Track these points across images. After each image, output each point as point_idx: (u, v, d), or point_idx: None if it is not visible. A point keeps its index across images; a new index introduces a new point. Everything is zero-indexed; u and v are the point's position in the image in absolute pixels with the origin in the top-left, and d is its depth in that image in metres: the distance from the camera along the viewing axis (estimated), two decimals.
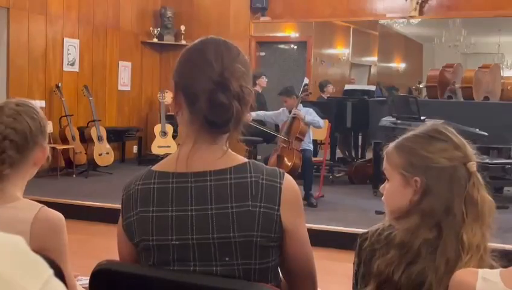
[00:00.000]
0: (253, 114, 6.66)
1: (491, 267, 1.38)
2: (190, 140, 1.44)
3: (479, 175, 1.44)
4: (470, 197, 1.41)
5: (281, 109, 6.95)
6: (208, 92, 1.38)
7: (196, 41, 1.54)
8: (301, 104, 6.74)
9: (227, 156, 1.44)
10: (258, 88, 8.13)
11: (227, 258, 1.39)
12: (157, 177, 1.44)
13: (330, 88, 9.36)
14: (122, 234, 1.49)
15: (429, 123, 1.56)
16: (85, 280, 1.73)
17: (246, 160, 1.45)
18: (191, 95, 1.42)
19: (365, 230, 1.52)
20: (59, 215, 1.65)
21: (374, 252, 1.44)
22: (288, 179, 1.45)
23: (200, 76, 1.41)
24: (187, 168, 1.42)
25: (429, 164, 1.44)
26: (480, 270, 1.23)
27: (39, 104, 7.88)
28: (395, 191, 1.50)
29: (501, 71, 9.88)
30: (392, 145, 1.54)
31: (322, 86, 9.32)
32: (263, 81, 8.47)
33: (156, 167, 1.47)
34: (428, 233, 1.41)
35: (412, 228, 1.42)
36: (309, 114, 6.63)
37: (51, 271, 0.71)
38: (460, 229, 1.40)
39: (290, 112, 6.71)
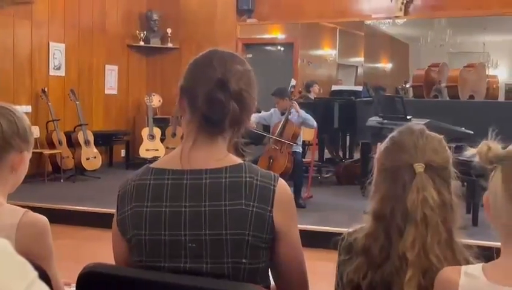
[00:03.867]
0: (253, 118, 6.65)
1: (465, 261, 1.39)
2: (189, 139, 1.47)
3: (425, 175, 1.40)
4: (410, 199, 1.38)
5: (272, 110, 6.93)
6: (207, 91, 1.43)
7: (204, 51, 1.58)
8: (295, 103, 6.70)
9: (224, 156, 1.47)
10: None
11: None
12: (154, 173, 1.47)
13: (316, 88, 9.37)
14: (116, 231, 1.51)
15: (408, 124, 1.57)
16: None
17: (242, 161, 1.49)
18: (193, 95, 1.46)
19: (351, 229, 1.54)
20: (43, 218, 1.64)
21: (351, 253, 1.46)
22: (282, 182, 1.48)
23: (202, 78, 1.46)
24: (184, 166, 1.45)
25: (378, 165, 1.47)
26: (463, 267, 1.24)
27: (25, 109, 7.84)
28: None
29: (486, 70, 9.96)
30: None
31: (308, 86, 9.35)
32: None
33: (154, 164, 1.51)
34: (384, 237, 1.42)
35: (370, 232, 1.43)
36: (303, 112, 6.64)
37: (35, 273, 0.72)
38: (402, 231, 1.39)
39: (282, 113, 6.69)
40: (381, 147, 1.50)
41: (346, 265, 1.46)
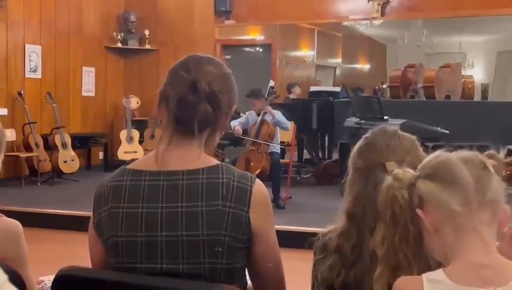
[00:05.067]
0: (237, 126, 6.71)
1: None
2: (164, 141, 1.49)
3: (398, 174, 1.41)
4: (380, 197, 1.37)
5: (247, 113, 6.96)
6: (179, 93, 1.45)
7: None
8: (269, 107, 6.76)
9: (201, 157, 1.48)
10: None
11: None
12: (130, 175, 1.48)
13: (297, 90, 9.42)
14: (92, 233, 1.51)
15: (382, 125, 1.59)
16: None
17: (219, 162, 1.50)
18: (167, 98, 1.48)
19: (325, 230, 1.55)
20: (16, 223, 1.64)
21: (325, 252, 1.48)
22: (258, 183, 1.49)
23: (177, 81, 1.48)
24: (161, 167, 1.45)
25: (352, 165, 1.50)
26: (423, 275, 1.23)
27: (1, 112, 7.77)
28: None
29: (462, 70, 10.09)
30: None
31: (289, 87, 9.40)
32: None
33: (130, 166, 1.51)
34: (356, 236, 1.44)
35: (343, 232, 1.45)
36: (278, 114, 6.68)
37: (5, 276, 0.72)
38: (373, 230, 1.39)
39: (258, 114, 6.73)
40: (354, 147, 1.52)
41: (320, 265, 1.47)
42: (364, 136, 1.53)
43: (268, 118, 6.65)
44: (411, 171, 1.27)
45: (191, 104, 1.45)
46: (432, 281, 1.20)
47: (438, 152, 1.27)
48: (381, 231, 1.35)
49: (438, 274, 1.22)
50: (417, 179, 1.25)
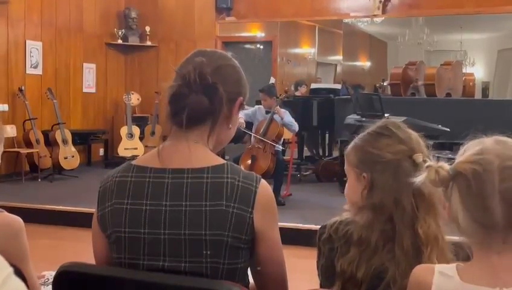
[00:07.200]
0: (241, 118, 6.57)
1: (452, 260, 1.41)
2: (167, 138, 1.50)
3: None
4: (418, 189, 1.42)
5: (256, 107, 6.88)
6: (175, 86, 1.45)
7: None
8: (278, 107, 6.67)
9: (206, 155, 1.47)
10: None
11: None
12: (135, 171, 1.47)
13: (304, 89, 9.43)
14: (96, 227, 1.50)
15: (381, 120, 1.61)
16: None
17: (224, 161, 1.48)
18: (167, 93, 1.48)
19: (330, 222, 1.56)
20: (17, 218, 1.64)
21: (332, 244, 1.49)
22: (264, 184, 1.47)
23: (177, 76, 1.48)
24: (165, 165, 1.45)
25: (375, 159, 1.51)
26: (437, 265, 1.24)
27: (2, 108, 7.76)
28: (351, 187, 1.58)
29: (463, 68, 10.07)
30: (350, 145, 1.62)
31: (296, 85, 9.40)
32: None
33: (135, 161, 1.51)
34: (382, 227, 1.45)
35: (366, 223, 1.46)
36: (287, 115, 6.63)
37: (11, 269, 0.73)
38: (414, 222, 1.44)
39: (266, 111, 6.67)
40: (367, 143, 1.54)
41: (332, 257, 1.48)
42: (382, 129, 1.55)
43: (277, 118, 6.58)
44: (447, 168, 1.19)
45: (182, 96, 1.44)
46: (442, 274, 1.20)
47: (482, 149, 1.18)
48: (433, 225, 1.43)
49: (450, 269, 1.22)
50: (454, 177, 1.18)
